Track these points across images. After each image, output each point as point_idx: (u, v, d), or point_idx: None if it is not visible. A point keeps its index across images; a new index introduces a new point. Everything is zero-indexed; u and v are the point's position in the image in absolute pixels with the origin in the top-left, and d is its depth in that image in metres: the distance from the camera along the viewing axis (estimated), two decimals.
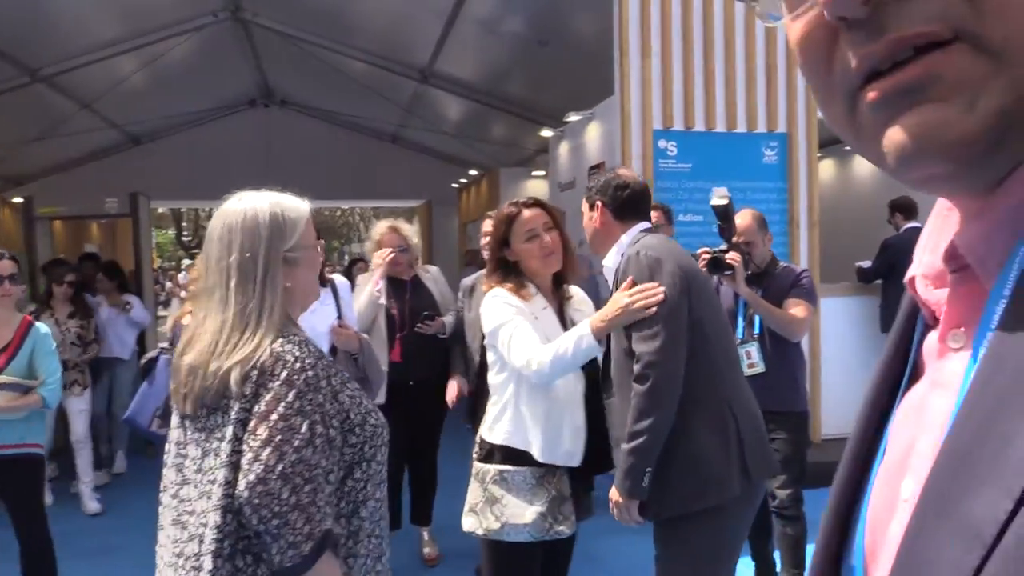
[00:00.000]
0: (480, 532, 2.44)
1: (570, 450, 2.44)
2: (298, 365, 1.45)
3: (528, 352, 2.34)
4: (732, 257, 3.24)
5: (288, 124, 11.54)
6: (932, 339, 0.49)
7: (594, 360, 2.48)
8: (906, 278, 0.51)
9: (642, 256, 2.28)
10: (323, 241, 3.75)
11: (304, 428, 1.41)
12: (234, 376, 1.46)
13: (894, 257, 5.86)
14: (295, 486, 1.37)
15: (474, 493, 2.49)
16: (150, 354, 3.46)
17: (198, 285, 1.66)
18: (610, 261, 2.47)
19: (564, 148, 6.88)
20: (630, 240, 2.42)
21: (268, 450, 1.38)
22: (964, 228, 0.44)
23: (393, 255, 3.89)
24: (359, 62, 8.63)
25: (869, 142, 0.44)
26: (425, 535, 4.34)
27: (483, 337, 2.61)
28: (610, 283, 2.47)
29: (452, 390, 3.98)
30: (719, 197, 3.25)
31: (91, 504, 5.28)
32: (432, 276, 4.27)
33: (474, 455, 2.56)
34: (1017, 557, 0.34)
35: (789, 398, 3.39)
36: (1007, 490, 0.35)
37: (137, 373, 6.68)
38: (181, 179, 11.13)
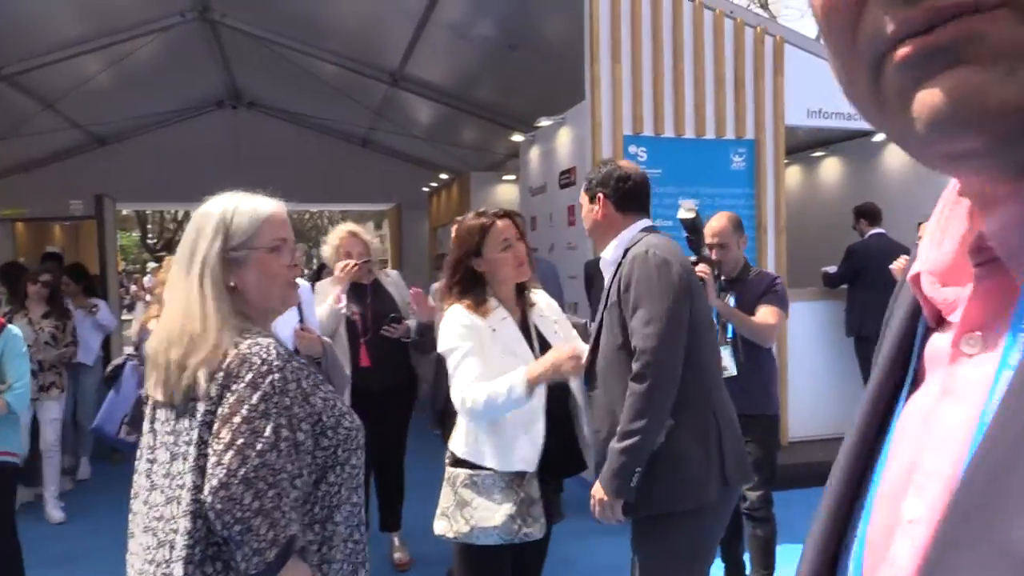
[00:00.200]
0: (451, 535, 2.45)
1: (526, 456, 2.44)
2: (264, 368, 1.43)
3: (465, 390, 2.37)
4: (702, 270, 3.26)
5: (257, 126, 11.43)
6: (938, 342, 0.44)
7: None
8: (909, 275, 0.47)
9: (650, 256, 2.27)
10: (301, 246, 3.70)
11: (268, 431, 1.38)
12: (202, 376, 1.44)
13: (859, 262, 5.96)
14: (258, 491, 1.34)
15: (446, 497, 2.50)
16: (116, 361, 3.40)
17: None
18: (609, 255, 2.44)
19: (535, 153, 6.90)
20: (631, 236, 2.41)
21: (230, 454, 1.36)
22: (991, 217, 0.40)
23: (357, 267, 3.81)
24: (329, 64, 8.57)
25: (894, 113, 0.40)
26: (396, 540, 4.32)
27: None
28: (607, 277, 2.45)
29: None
30: (686, 210, 3.28)
31: (55, 513, 5.19)
32: (392, 280, 4.23)
33: (446, 460, 2.57)
34: None
35: (761, 402, 3.43)
36: None
37: (101, 380, 6.59)
38: (147, 181, 10.97)
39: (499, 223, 2.53)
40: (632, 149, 5.53)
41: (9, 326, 3.56)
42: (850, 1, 0.40)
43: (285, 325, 3.06)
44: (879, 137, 7.17)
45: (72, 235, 14.22)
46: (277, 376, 1.44)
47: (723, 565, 3.64)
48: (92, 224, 9.36)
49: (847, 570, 0.47)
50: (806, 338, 5.97)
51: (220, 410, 1.41)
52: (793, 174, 8.67)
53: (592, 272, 5.07)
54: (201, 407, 1.43)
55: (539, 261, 2.87)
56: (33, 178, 10.75)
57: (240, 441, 1.37)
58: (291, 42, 8.19)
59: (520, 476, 2.44)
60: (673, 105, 5.61)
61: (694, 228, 3.31)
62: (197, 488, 1.40)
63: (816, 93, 5.93)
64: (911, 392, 0.46)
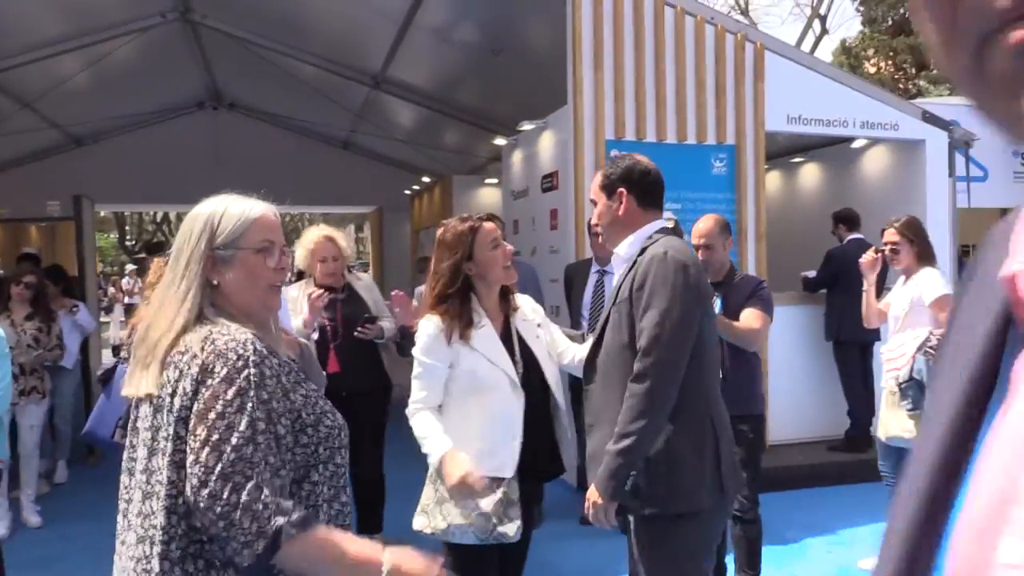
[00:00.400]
0: (428, 531, 2.46)
1: (502, 462, 2.45)
2: (240, 363, 1.43)
3: (411, 407, 2.53)
4: None
5: (237, 128, 11.37)
6: None
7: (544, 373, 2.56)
8: (1001, 274, 0.39)
9: (670, 257, 2.21)
10: (291, 250, 3.64)
11: (243, 425, 1.38)
12: (175, 370, 1.45)
13: (838, 267, 6.01)
14: (235, 485, 1.33)
15: (427, 494, 2.52)
16: (107, 365, 3.37)
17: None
18: (623, 251, 2.39)
19: (517, 156, 6.91)
20: (648, 235, 2.36)
21: (207, 451, 1.36)
22: None
23: (326, 301, 3.46)
24: (310, 66, 8.54)
25: (1000, 98, 0.35)
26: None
27: None
28: (617, 274, 2.41)
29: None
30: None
31: (32, 518, 5.12)
32: (364, 284, 4.20)
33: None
34: None
35: (746, 402, 3.44)
36: None
37: (79, 384, 6.51)
38: (125, 182, 10.88)
39: (486, 224, 2.57)
40: (614, 154, 5.52)
41: None
42: None
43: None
44: (858, 143, 7.25)
45: (49, 236, 14.05)
46: (253, 371, 1.43)
47: None
48: (69, 225, 9.25)
49: None
50: (785, 342, 6.01)
51: (196, 406, 1.40)
52: (773, 179, 8.74)
53: (572, 276, 5.09)
54: (177, 402, 1.43)
55: (518, 263, 2.87)
56: (9, 178, 10.62)
57: (215, 437, 1.36)
58: (273, 44, 8.15)
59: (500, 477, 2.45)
60: (655, 110, 5.64)
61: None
62: (172, 483, 1.40)
63: (796, 99, 5.99)
64: (997, 409, 0.40)
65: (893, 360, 3.91)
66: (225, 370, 1.41)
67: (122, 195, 11.40)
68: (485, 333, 2.53)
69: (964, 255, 8.15)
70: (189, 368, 1.43)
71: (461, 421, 2.49)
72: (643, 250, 2.30)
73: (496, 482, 2.44)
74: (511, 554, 2.62)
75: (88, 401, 6.69)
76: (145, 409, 1.51)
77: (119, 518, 1.55)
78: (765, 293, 3.50)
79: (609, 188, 2.40)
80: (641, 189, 2.38)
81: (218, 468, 1.34)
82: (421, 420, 2.49)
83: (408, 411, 2.54)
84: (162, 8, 7.53)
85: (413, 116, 9.96)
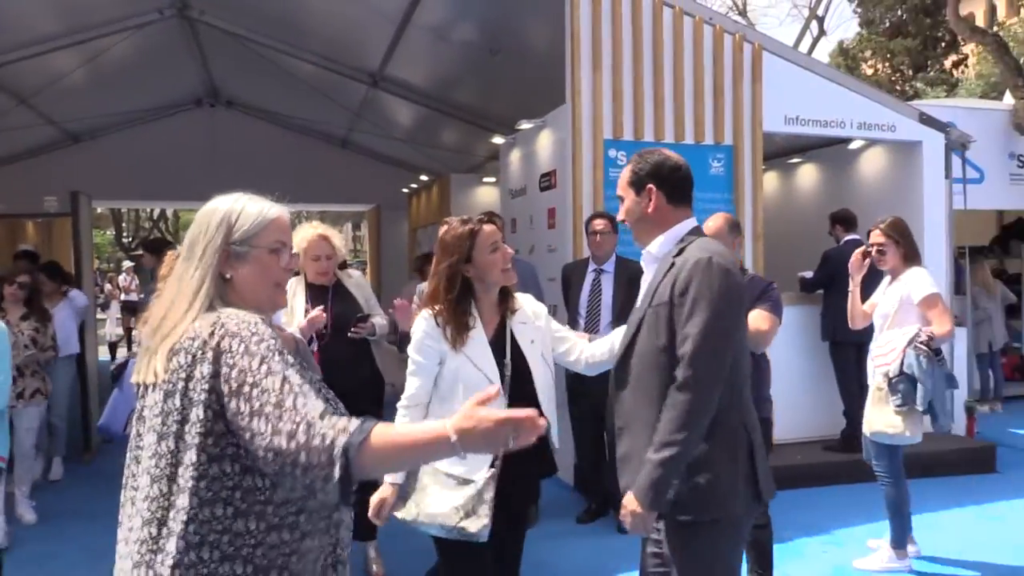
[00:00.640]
0: (399, 516, 2.50)
1: (474, 463, 2.43)
2: (256, 337, 1.46)
3: (401, 402, 2.59)
4: None
5: (234, 125, 11.36)
6: None
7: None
8: None
9: (714, 263, 2.14)
10: (298, 253, 3.60)
11: (277, 384, 1.41)
12: (186, 354, 1.46)
13: (835, 268, 6.01)
14: (290, 433, 1.35)
15: (409, 482, 2.54)
16: (119, 360, 3.36)
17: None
18: (656, 249, 2.31)
19: (515, 155, 6.91)
20: (680, 234, 2.30)
21: (257, 420, 1.38)
22: None
23: (320, 324, 3.41)
24: (309, 64, 8.54)
25: None
26: (372, 551, 4.14)
27: None
28: (648, 273, 2.34)
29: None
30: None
31: (27, 515, 5.11)
32: (355, 281, 4.08)
33: None
34: None
35: (755, 404, 3.43)
36: None
37: (75, 378, 6.49)
38: (122, 178, 10.87)
39: (486, 227, 2.57)
40: (612, 153, 5.56)
41: None
42: None
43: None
44: (855, 145, 7.26)
45: (46, 232, 14.02)
46: (271, 342, 1.47)
47: None
48: (66, 221, 9.21)
49: None
50: (782, 342, 5.99)
51: (226, 387, 1.42)
52: (770, 180, 8.74)
53: (569, 275, 5.09)
54: (196, 387, 1.45)
55: (517, 262, 2.86)
56: (6, 174, 10.62)
57: (257, 404, 1.39)
58: (271, 41, 8.14)
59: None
60: (653, 110, 5.65)
61: None
62: (195, 467, 1.42)
63: (793, 100, 6.00)
64: None
65: (883, 356, 3.92)
66: (244, 345, 1.44)
67: (119, 192, 11.38)
68: (474, 335, 2.55)
69: (960, 257, 8.17)
70: (203, 352, 1.45)
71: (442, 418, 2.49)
72: (680, 251, 2.24)
73: (467, 481, 2.45)
74: (506, 553, 2.62)
75: (84, 396, 6.67)
76: (153, 396, 1.51)
77: (125, 506, 1.55)
78: (774, 294, 3.47)
79: (637, 184, 2.32)
80: (671, 185, 2.31)
81: (269, 432, 1.36)
82: (403, 423, 2.48)
83: (399, 404, 2.59)
84: (159, 4, 7.52)
85: (411, 114, 9.95)
